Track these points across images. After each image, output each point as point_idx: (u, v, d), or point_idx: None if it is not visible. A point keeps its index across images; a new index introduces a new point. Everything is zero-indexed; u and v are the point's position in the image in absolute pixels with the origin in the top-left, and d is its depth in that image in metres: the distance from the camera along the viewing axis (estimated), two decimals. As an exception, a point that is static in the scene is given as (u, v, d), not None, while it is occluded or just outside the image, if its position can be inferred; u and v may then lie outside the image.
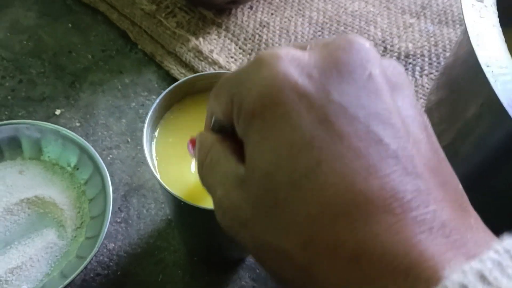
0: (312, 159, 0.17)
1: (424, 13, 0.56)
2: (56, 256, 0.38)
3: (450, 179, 0.18)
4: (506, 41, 0.37)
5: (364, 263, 0.15)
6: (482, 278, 0.14)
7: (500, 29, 0.28)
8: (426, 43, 0.52)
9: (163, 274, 0.39)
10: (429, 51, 0.51)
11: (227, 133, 0.22)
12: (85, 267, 0.35)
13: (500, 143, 0.31)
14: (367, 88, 0.18)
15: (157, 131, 0.33)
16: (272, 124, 0.18)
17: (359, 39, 0.19)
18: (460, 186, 0.18)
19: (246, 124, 0.19)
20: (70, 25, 0.54)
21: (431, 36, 0.53)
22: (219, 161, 0.21)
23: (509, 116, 0.25)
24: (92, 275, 0.39)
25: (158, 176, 0.30)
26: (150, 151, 0.32)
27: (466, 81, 0.34)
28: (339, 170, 0.16)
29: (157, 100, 0.32)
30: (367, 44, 0.19)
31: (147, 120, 0.31)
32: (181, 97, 0.34)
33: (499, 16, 0.36)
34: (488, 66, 0.26)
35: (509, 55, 0.27)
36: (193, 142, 0.26)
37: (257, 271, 0.40)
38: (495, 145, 0.32)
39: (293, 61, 0.18)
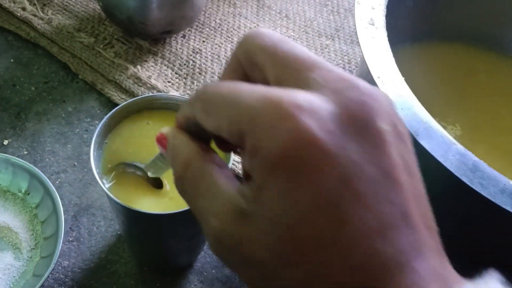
0: (337, 218, 0.18)
1: (338, 35, 0.63)
2: (14, 276, 0.40)
3: (431, 223, 0.20)
4: (407, 56, 0.43)
5: None
6: None
7: (388, 46, 0.34)
8: (341, 62, 0.59)
9: (117, 285, 0.42)
10: (343, 68, 0.58)
11: (200, 134, 0.22)
12: (42, 285, 0.37)
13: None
14: (378, 143, 0.19)
15: (105, 147, 0.37)
16: (296, 179, 0.18)
17: (378, 93, 0.19)
18: (435, 226, 0.20)
19: (266, 169, 0.19)
20: (12, 60, 0.56)
21: (345, 55, 0.60)
22: (204, 178, 0.21)
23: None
24: (49, 291, 0.42)
25: (104, 186, 0.33)
26: (98, 164, 0.35)
27: (369, 91, 0.39)
28: (359, 230, 0.17)
29: (104, 119, 0.35)
30: (379, 95, 0.19)
31: (95, 133, 0.35)
32: (124, 119, 0.38)
33: (405, 34, 0.42)
34: (379, 77, 0.32)
35: (395, 67, 0.33)
36: (161, 138, 0.24)
37: (205, 274, 0.43)
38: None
39: (314, 114, 0.18)
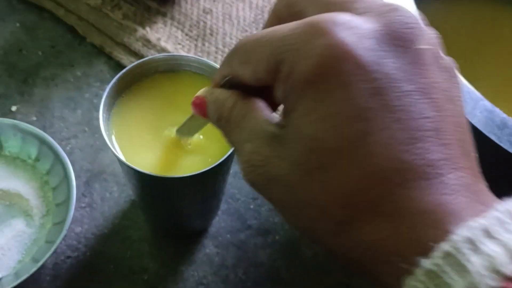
0: (362, 130, 0.18)
1: None
2: (26, 243, 0.40)
3: (470, 149, 0.20)
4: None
5: (399, 219, 0.18)
6: (486, 232, 0.16)
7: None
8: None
9: (131, 250, 0.42)
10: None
11: (238, 90, 0.23)
12: (55, 251, 0.37)
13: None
14: (417, 62, 0.19)
15: (113, 113, 0.36)
16: (326, 93, 0.18)
17: (412, 15, 0.20)
18: (475, 154, 0.20)
19: (297, 90, 0.19)
20: (17, 24, 0.54)
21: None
22: (246, 116, 0.22)
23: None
24: (62, 258, 0.41)
25: (114, 150, 0.32)
26: (108, 129, 0.34)
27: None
28: (385, 141, 0.18)
29: (111, 83, 0.34)
30: (420, 21, 0.20)
31: (104, 96, 0.34)
32: (133, 82, 0.36)
33: None
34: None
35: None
36: (196, 101, 0.25)
37: (219, 239, 0.43)
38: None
39: (351, 29, 0.18)
